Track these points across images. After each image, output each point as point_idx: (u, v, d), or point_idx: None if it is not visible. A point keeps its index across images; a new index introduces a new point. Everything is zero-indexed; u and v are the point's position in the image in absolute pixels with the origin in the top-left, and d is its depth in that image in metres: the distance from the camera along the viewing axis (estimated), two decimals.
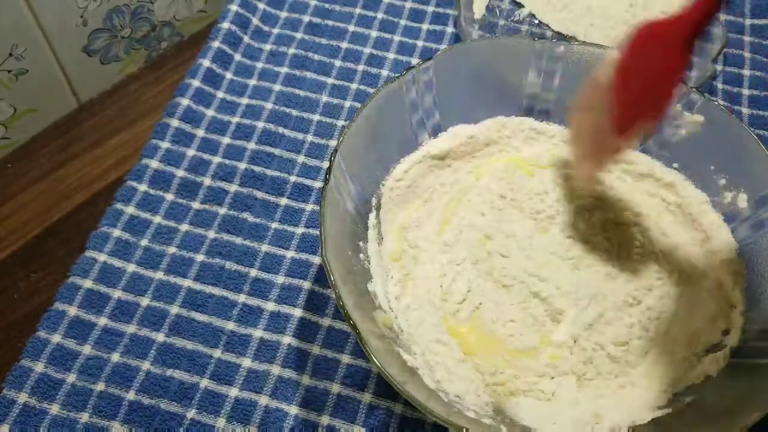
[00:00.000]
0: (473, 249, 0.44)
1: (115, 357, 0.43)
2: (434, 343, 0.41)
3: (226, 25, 0.58)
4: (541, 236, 0.45)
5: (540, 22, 0.60)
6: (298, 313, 0.45)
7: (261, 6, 0.61)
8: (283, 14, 0.61)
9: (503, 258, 0.44)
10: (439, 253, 0.45)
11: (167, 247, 0.48)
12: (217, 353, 0.43)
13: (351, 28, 0.60)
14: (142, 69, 0.62)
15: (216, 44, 0.57)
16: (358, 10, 0.61)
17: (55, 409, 0.41)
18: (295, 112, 0.55)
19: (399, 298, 0.43)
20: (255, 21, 0.60)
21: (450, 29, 0.60)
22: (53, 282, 0.47)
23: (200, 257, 0.47)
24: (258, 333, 0.44)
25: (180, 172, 0.51)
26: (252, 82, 0.56)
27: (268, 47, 0.59)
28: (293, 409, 0.42)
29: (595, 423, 0.38)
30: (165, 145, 0.52)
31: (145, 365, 0.43)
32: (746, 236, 0.44)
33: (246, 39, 0.59)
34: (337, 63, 0.58)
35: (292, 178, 0.51)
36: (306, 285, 0.46)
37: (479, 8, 0.60)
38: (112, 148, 0.55)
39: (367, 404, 0.42)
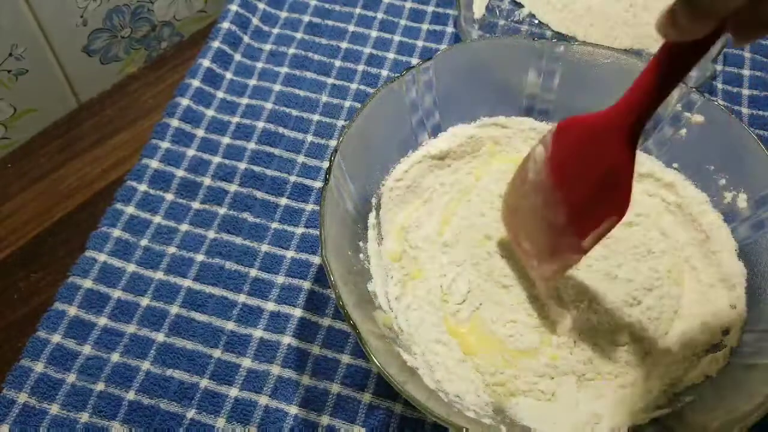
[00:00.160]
0: (473, 249, 0.44)
1: (115, 357, 0.43)
2: (434, 344, 0.41)
3: (226, 25, 0.58)
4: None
5: (540, 22, 0.60)
6: (298, 313, 0.45)
7: (261, 6, 0.61)
8: (283, 14, 0.61)
9: (503, 259, 0.44)
10: (439, 253, 0.45)
11: (167, 247, 0.48)
12: (217, 353, 0.43)
13: (351, 28, 0.60)
14: (142, 69, 0.62)
15: (216, 44, 0.57)
16: (358, 10, 0.61)
17: (55, 409, 0.41)
18: (295, 112, 0.55)
19: (399, 298, 0.43)
20: (255, 21, 0.60)
21: (450, 29, 0.60)
22: (53, 282, 0.47)
23: (200, 257, 0.47)
24: (258, 333, 0.44)
25: (180, 172, 0.51)
26: (252, 82, 0.56)
27: (268, 47, 0.59)
28: (293, 409, 0.42)
29: (595, 423, 0.39)
30: (165, 145, 0.52)
31: (145, 365, 0.43)
32: (746, 236, 0.44)
33: (246, 39, 0.59)
34: (337, 63, 0.58)
35: (292, 178, 0.51)
36: (306, 285, 0.46)
37: (479, 8, 0.60)
38: (112, 148, 0.55)
39: (367, 404, 0.42)
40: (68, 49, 0.56)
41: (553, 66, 0.48)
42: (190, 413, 0.41)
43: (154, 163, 0.51)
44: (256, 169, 0.51)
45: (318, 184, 0.51)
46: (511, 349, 0.41)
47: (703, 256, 0.45)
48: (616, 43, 0.57)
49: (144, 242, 0.48)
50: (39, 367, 0.42)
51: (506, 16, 0.61)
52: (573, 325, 0.41)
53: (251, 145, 0.53)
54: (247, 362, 0.43)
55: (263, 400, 0.42)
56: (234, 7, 0.59)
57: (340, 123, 0.54)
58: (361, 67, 0.57)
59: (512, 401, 0.39)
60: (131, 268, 0.47)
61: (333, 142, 0.53)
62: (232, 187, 0.51)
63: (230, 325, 0.45)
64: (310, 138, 0.53)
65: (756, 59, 0.58)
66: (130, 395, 0.42)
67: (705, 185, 0.46)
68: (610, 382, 0.40)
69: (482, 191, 0.47)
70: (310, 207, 0.50)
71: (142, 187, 0.50)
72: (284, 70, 0.57)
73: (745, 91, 0.57)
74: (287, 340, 0.44)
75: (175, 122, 0.53)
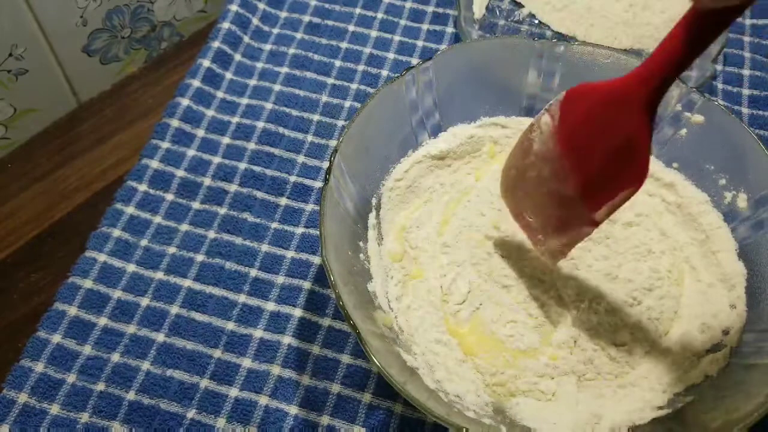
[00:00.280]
0: (473, 250, 0.44)
1: (115, 357, 0.43)
2: (434, 344, 0.41)
3: (226, 25, 0.58)
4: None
5: (540, 22, 0.60)
6: (298, 313, 0.45)
7: (261, 6, 0.61)
8: (283, 14, 0.61)
9: (503, 259, 0.44)
10: (439, 253, 0.45)
11: (167, 247, 0.48)
12: (217, 353, 0.43)
13: (351, 28, 0.60)
14: (142, 69, 0.62)
15: (216, 44, 0.57)
16: (358, 10, 0.61)
17: (55, 409, 0.41)
18: (295, 112, 0.55)
19: (399, 298, 0.43)
20: (255, 21, 0.60)
21: (450, 29, 0.60)
22: (53, 282, 0.47)
23: (200, 257, 0.47)
24: (258, 333, 0.44)
25: (180, 172, 0.51)
26: (252, 82, 0.56)
27: (268, 47, 0.59)
28: (293, 409, 0.42)
29: (595, 423, 0.38)
30: (165, 145, 0.52)
31: (145, 365, 0.43)
32: (746, 236, 0.44)
33: (246, 39, 0.59)
34: (337, 63, 0.58)
35: (292, 178, 0.51)
36: (306, 285, 0.46)
37: (479, 8, 0.60)
38: (112, 148, 0.55)
39: (367, 404, 0.42)
40: (68, 49, 0.56)
41: (553, 66, 0.48)
42: (191, 413, 0.41)
43: (154, 163, 0.51)
44: (256, 169, 0.51)
45: (318, 184, 0.51)
46: (511, 349, 0.41)
47: (703, 256, 0.45)
48: (616, 43, 0.58)
49: (144, 242, 0.48)
50: (39, 367, 0.42)
51: (506, 16, 0.61)
52: (573, 325, 0.41)
53: (251, 145, 0.53)
54: (247, 362, 0.43)
55: (263, 400, 0.42)
56: (234, 7, 0.59)
57: (340, 123, 0.54)
58: (361, 67, 0.57)
59: (512, 401, 0.39)
60: (131, 268, 0.47)
61: (333, 142, 0.53)
62: (232, 187, 0.51)
63: (230, 325, 0.45)
64: (310, 138, 0.53)
65: (756, 59, 0.58)
66: (131, 395, 0.42)
67: (705, 185, 0.46)
68: (610, 382, 0.40)
69: (482, 191, 0.47)
70: (310, 207, 0.50)
71: (142, 187, 0.50)
72: (284, 70, 0.57)
73: (745, 91, 0.57)
74: (287, 340, 0.44)
75: (175, 122, 0.53)
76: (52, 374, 0.42)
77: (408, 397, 0.34)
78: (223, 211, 0.49)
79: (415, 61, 0.58)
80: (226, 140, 0.53)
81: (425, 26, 0.60)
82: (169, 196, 0.50)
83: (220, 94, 0.55)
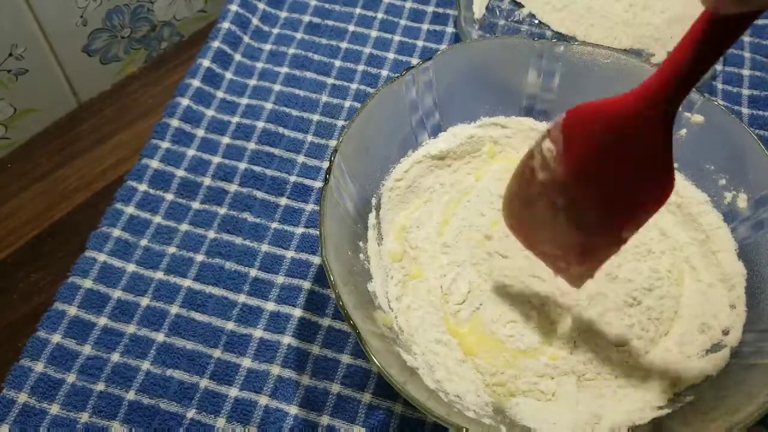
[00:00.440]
0: (473, 250, 0.44)
1: (115, 357, 0.43)
2: (434, 344, 0.41)
3: (226, 25, 0.58)
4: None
5: (540, 22, 0.60)
6: (298, 313, 0.45)
7: (261, 6, 0.61)
8: (283, 14, 0.61)
9: (503, 259, 0.44)
10: (439, 253, 0.45)
11: (167, 247, 0.48)
12: (217, 353, 0.43)
13: (351, 28, 0.60)
14: (142, 69, 0.62)
15: (216, 44, 0.57)
16: (358, 10, 0.61)
17: (55, 409, 0.41)
18: (295, 112, 0.55)
19: (399, 298, 0.43)
20: (255, 21, 0.60)
21: (450, 29, 0.60)
22: (53, 282, 0.47)
23: (200, 257, 0.47)
24: (258, 333, 0.44)
25: (180, 172, 0.51)
26: (252, 82, 0.56)
27: (268, 47, 0.59)
28: (293, 409, 0.42)
29: (595, 423, 0.38)
30: (165, 145, 0.52)
31: (145, 365, 0.43)
32: (746, 236, 0.44)
33: (246, 39, 0.59)
34: (337, 63, 0.58)
35: (292, 178, 0.51)
36: (306, 285, 0.46)
37: (479, 8, 0.60)
38: (112, 148, 0.55)
39: (367, 404, 0.42)
40: (68, 49, 0.56)
41: (553, 66, 0.48)
42: (190, 413, 0.41)
43: (154, 163, 0.51)
44: (256, 169, 0.51)
45: (318, 184, 0.51)
46: (511, 349, 0.41)
47: (703, 256, 0.45)
48: (616, 43, 0.58)
49: (144, 242, 0.48)
50: (39, 367, 0.42)
51: (506, 16, 0.61)
52: (573, 325, 0.41)
53: (251, 145, 0.53)
54: (247, 362, 0.43)
55: (263, 400, 0.42)
56: (234, 7, 0.59)
57: (340, 123, 0.54)
58: (361, 67, 0.57)
59: (512, 401, 0.39)
60: (131, 268, 0.47)
61: (333, 142, 0.53)
62: (232, 187, 0.51)
63: (230, 325, 0.45)
64: (310, 138, 0.53)
65: (756, 59, 0.58)
66: (130, 395, 0.42)
67: (705, 185, 0.46)
68: (610, 382, 0.40)
69: (482, 191, 0.47)
70: (310, 207, 0.50)
71: (142, 187, 0.50)
72: (284, 70, 0.57)
73: (745, 91, 0.57)
74: (287, 340, 0.44)
75: (175, 122, 0.53)
76: (52, 374, 0.42)
77: (408, 397, 0.34)
78: (223, 211, 0.49)
79: (415, 61, 0.58)
80: (226, 140, 0.53)
81: (425, 26, 0.60)
82: (169, 196, 0.50)
83: (220, 94, 0.55)
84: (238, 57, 0.58)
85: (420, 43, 0.59)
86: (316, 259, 0.47)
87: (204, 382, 0.42)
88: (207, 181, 0.51)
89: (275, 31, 0.60)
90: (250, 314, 0.45)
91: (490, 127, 0.49)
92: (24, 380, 0.42)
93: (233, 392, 0.42)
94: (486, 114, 0.49)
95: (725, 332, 0.41)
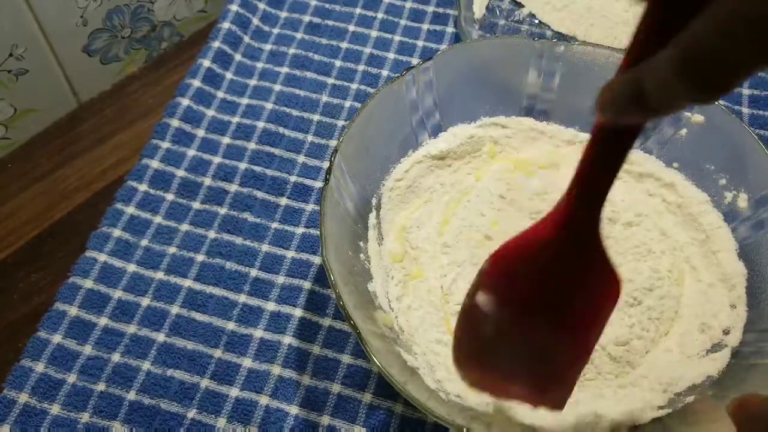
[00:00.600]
0: (474, 250, 0.44)
1: (116, 357, 0.43)
2: (435, 344, 0.41)
3: (226, 25, 0.58)
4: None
5: (540, 22, 0.60)
6: (298, 313, 0.45)
7: (261, 6, 0.61)
8: (283, 14, 0.61)
9: None
10: (439, 253, 0.45)
11: (167, 247, 0.48)
12: (217, 353, 0.43)
13: (351, 28, 0.60)
14: (142, 69, 0.62)
15: (216, 44, 0.57)
16: (358, 10, 0.61)
17: (55, 409, 0.41)
18: (295, 112, 0.55)
19: (400, 298, 0.43)
20: (255, 21, 0.60)
21: (450, 29, 0.60)
22: (53, 282, 0.47)
23: (200, 257, 0.47)
24: (258, 333, 0.44)
25: (180, 172, 0.51)
26: (252, 82, 0.56)
27: (268, 47, 0.59)
28: (294, 409, 0.42)
29: (595, 423, 0.38)
30: (165, 145, 0.52)
31: (146, 365, 0.43)
32: (746, 236, 0.44)
33: (246, 39, 0.59)
34: (338, 63, 0.58)
35: (293, 178, 0.51)
36: (306, 285, 0.46)
37: (479, 8, 0.60)
38: (112, 148, 0.55)
39: (367, 404, 0.42)
40: (68, 49, 0.56)
41: (553, 66, 0.48)
42: (191, 413, 0.41)
43: (155, 163, 0.51)
44: (257, 169, 0.51)
45: (318, 184, 0.51)
46: None
47: (703, 256, 0.45)
48: (616, 43, 0.57)
49: (144, 242, 0.48)
50: (40, 367, 0.42)
51: (506, 16, 0.61)
52: None
53: (251, 145, 0.53)
54: (247, 362, 0.43)
55: (264, 400, 0.42)
56: (234, 7, 0.59)
57: (341, 123, 0.54)
58: (361, 67, 0.57)
59: (513, 401, 0.39)
60: (132, 268, 0.47)
61: (333, 142, 0.53)
62: (233, 187, 0.51)
63: (231, 325, 0.45)
64: (310, 138, 0.53)
65: None
66: (131, 395, 0.42)
67: (705, 185, 0.46)
68: (611, 382, 0.40)
69: (482, 191, 0.47)
70: (310, 207, 0.50)
71: (143, 187, 0.50)
72: (284, 70, 0.57)
73: (746, 91, 0.57)
74: (288, 340, 0.44)
75: (175, 122, 0.53)
76: (53, 374, 0.42)
77: (408, 397, 0.34)
78: (223, 211, 0.49)
79: (415, 61, 0.58)
80: (226, 140, 0.53)
81: (425, 26, 0.60)
82: (170, 196, 0.50)
83: (220, 94, 0.55)
84: (238, 57, 0.58)
85: (420, 43, 0.59)
86: (316, 259, 0.47)
87: (205, 382, 0.42)
88: (207, 181, 0.51)
89: (275, 31, 0.60)
90: (250, 314, 0.45)
91: (491, 127, 0.49)
92: (25, 380, 0.42)
93: (234, 392, 0.42)
94: (486, 114, 0.49)
95: (726, 332, 0.41)
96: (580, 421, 0.39)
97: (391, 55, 0.58)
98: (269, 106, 0.55)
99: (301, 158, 0.52)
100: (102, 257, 0.47)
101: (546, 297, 0.32)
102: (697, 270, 0.44)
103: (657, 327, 0.42)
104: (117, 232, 0.48)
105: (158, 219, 0.49)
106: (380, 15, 0.61)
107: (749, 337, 0.40)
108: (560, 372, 0.34)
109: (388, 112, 0.45)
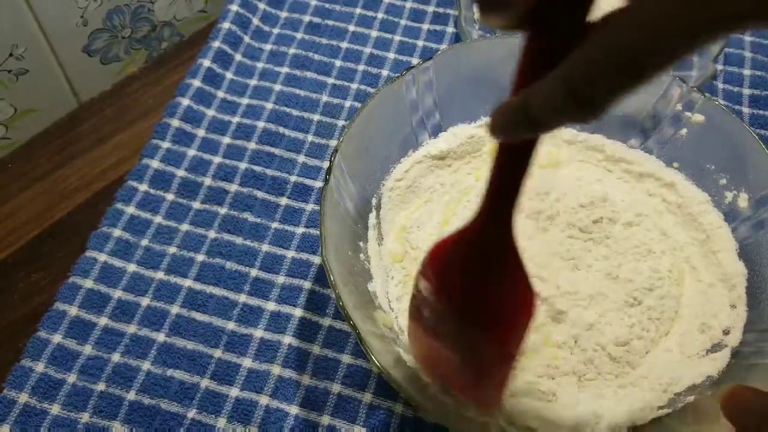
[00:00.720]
0: None
1: (116, 357, 0.43)
2: None
3: (226, 25, 0.58)
4: (541, 236, 0.45)
5: None
6: (298, 313, 0.45)
7: (261, 6, 0.61)
8: (284, 14, 0.61)
9: None
10: None
11: (168, 247, 0.48)
12: (217, 353, 0.43)
13: (351, 28, 0.60)
14: (142, 69, 0.62)
15: (216, 44, 0.57)
16: (358, 10, 0.61)
17: (55, 409, 0.41)
18: (295, 112, 0.55)
19: (400, 298, 0.43)
20: (255, 21, 0.60)
21: (450, 29, 0.60)
22: (53, 282, 0.47)
23: (201, 257, 0.47)
24: (258, 333, 0.44)
25: (180, 172, 0.51)
26: (252, 82, 0.56)
27: (268, 47, 0.59)
28: (294, 409, 0.42)
29: (595, 423, 0.39)
30: (165, 145, 0.52)
31: (146, 365, 0.43)
32: (746, 236, 0.44)
33: (246, 39, 0.59)
34: (338, 63, 0.58)
35: (293, 178, 0.51)
36: (306, 285, 0.46)
37: None
38: (112, 148, 0.55)
39: (367, 404, 0.42)
40: (68, 49, 0.56)
41: None
42: (191, 413, 0.41)
43: (155, 163, 0.51)
44: (257, 169, 0.51)
45: (318, 184, 0.51)
46: None
47: (703, 256, 0.45)
48: None
49: (144, 242, 0.48)
50: (40, 367, 0.42)
51: None
52: (573, 325, 0.41)
53: (252, 145, 0.53)
54: (247, 362, 0.43)
55: (264, 400, 0.42)
56: (234, 7, 0.59)
57: (341, 123, 0.54)
58: (361, 67, 0.57)
59: (512, 401, 0.39)
60: (132, 268, 0.47)
61: (333, 142, 0.53)
62: (233, 187, 0.51)
63: (231, 325, 0.45)
64: (310, 138, 0.53)
65: (757, 59, 0.58)
66: (131, 395, 0.42)
67: (705, 185, 0.46)
68: (611, 382, 0.40)
69: (482, 191, 0.47)
70: (310, 207, 0.50)
71: (143, 187, 0.50)
72: (284, 70, 0.57)
73: (746, 91, 0.57)
74: (288, 340, 0.44)
75: (175, 122, 0.53)
76: (53, 374, 0.42)
77: (408, 397, 0.34)
78: (223, 210, 0.49)
79: (415, 61, 0.58)
80: (226, 140, 0.53)
81: (425, 26, 0.60)
82: (170, 196, 0.50)
83: (220, 94, 0.55)
84: (238, 57, 0.58)
85: (420, 43, 0.59)
86: (316, 259, 0.47)
87: (205, 382, 0.42)
88: (207, 181, 0.51)
89: (276, 31, 0.60)
90: (250, 314, 0.45)
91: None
92: (25, 380, 0.42)
93: (234, 392, 0.42)
94: (486, 114, 0.49)
95: (726, 332, 0.41)
96: (580, 421, 0.39)
97: (391, 55, 0.58)
98: (269, 106, 0.55)
99: (301, 158, 0.52)
100: (102, 257, 0.47)
101: (467, 294, 0.34)
102: (697, 270, 0.44)
103: (657, 327, 0.42)
104: (117, 232, 0.48)
105: (158, 219, 0.49)
106: (380, 15, 0.61)
107: (749, 337, 0.40)
108: (486, 371, 0.35)
109: (388, 112, 0.45)
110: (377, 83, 0.56)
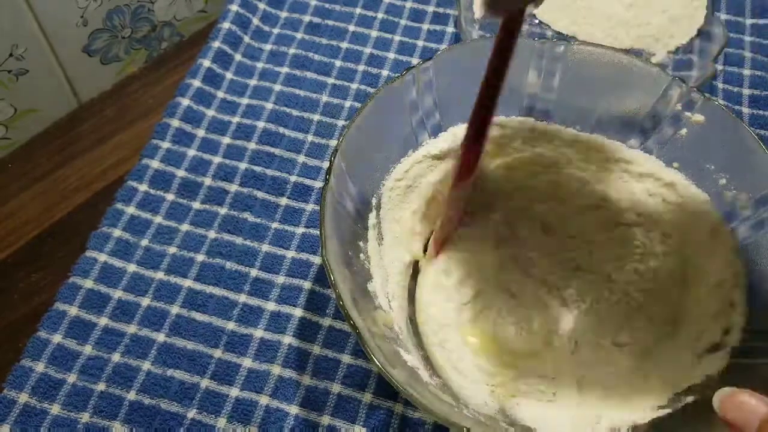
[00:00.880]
0: None
1: (116, 357, 0.43)
2: (435, 344, 0.41)
3: (226, 25, 0.58)
4: (542, 240, 0.45)
5: (540, 22, 0.60)
6: (298, 313, 0.45)
7: (261, 6, 0.61)
8: (284, 14, 0.61)
9: (508, 260, 0.44)
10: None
11: (168, 247, 0.48)
12: (217, 353, 0.43)
13: (351, 28, 0.60)
14: (142, 69, 0.62)
15: (216, 44, 0.57)
16: (358, 10, 0.61)
17: (55, 409, 0.41)
18: (295, 112, 0.55)
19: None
20: (255, 21, 0.60)
21: (450, 29, 0.60)
22: (53, 282, 0.47)
23: (201, 257, 0.47)
24: (258, 333, 0.44)
25: (180, 172, 0.51)
26: (252, 82, 0.56)
27: (268, 47, 0.59)
28: (294, 409, 0.42)
29: (595, 423, 0.39)
30: (165, 145, 0.52)
31: (146, 365, 0.43)
32: (746, 236, 0.44)
33: (246, 39, 0.59)
34: (338, 63, 0.58)
35: (293, 178, 0.51)
36: (306, 285, 0.46)
37: (479, 8, 0.60)
38: (112, 148, 0.55)
39: (367, 404, 0.42)
40: (68, 49, 0.56)
41: (553, 66, 0.48)
42: (191, 413, 0.41)
43: (155, 163, 0.51)
44: (257, 169, 0.51)
45: (318, 184, 0.51)
46: (512, 351, 0.41)
47: (703, 256, 0.45)
48: (616, 43, 0.58)
49: (144, 242, 0.48)
50: (40, 367, 0.42)
51: None
52: (574, 326, 0.41)
53: (252, 145, 0.53)
54: (247, 362, 0.43)
55: (264, 400, 0.42)
56: (234, 7, 0.59)
57: (341, 123, 0.54)
58: (361, 67, 0.57)
59: (513, 401, 0.39)
60: (132, 268, 0.47)
61: (333, 142, 0.53)
62: (233, 187, 0.51)
63: (231, 325, 0.45)
64: (310, 138, 0.53)
65: (757, 59, 0.58)
66: (131, 395, 0.42)
67: (705, 185, 0.46)
68: (611, 383, 0.40)
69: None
70: (310, 207, 0.50)
71: (143, 187, 0.50)
72: (284, 70, 0.57)
73: (746, 91, 0.57)
74: (288, 340, 0.44)
75: (175, 122, 0.53)
76: (53, 374, 0.42)
77: (408, 397, 0.34)
78: (223, 211, 0.49)
79: (415, 61, 0.58)
80: (226, 140, 0.53)
81: (425, 26, 0.60)
82: (170, 196, 0.50)
83: (220, 94, 0.55)
84: (238, 57, 0.58)
85: (420, 43, 0.59)
86: (316, 259, 0.47)
87: (205, 382, 0.42)
88: (207, 181, 0.51)
89: (275, 31, 0.60)
90: (250, 314, 0.45)
91: (491, 127, 0.49)
92: (25, 380, 0.42)
93: (234, 392, 0.42)
94: None
95: (725, 332, 0.41)
96: (580, 421, 0.39)
97: (391, 55, 0.58)
98: (269, 106, 0.55)
99: (301, 158, 0.52)
100: (102, 257, 0.47)
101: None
102: (698, 270, 0.44)
103: (658, 328, 0.42)
104: (117, 232, 0.48)
105: (158, 219, 0.49)
106: (380, 15, 0.61)
107: (749, 337, 0.40)
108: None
109: (388, 112, 0.45)
110: (377, 83, 0.56)
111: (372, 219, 0.45)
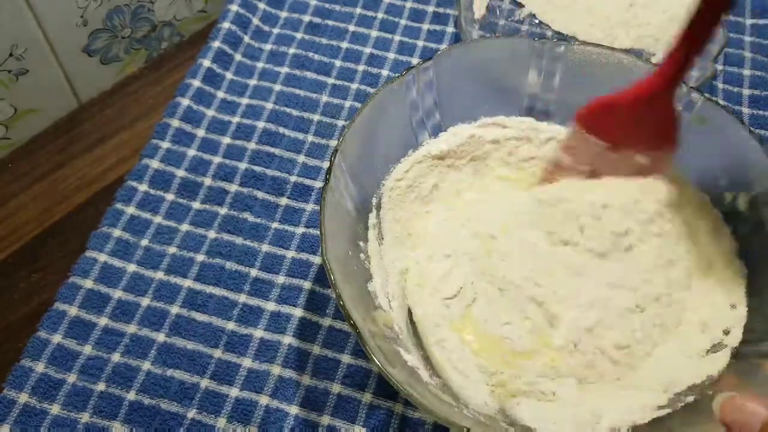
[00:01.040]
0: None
1: (116, 357, 0.43)
2: (435, 344, 0.41)
3: (226, 25, 0.58)
4: (544, 245, 0.45)
5: (540, 22, 0.60)
6: (298, 313, 0.45)
7: (261, 6, 0.61)
8: (284, 14, 0.61)
9: (502, 261, 0.44)
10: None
11: (168, 247, 0.48)
12: (217, 353, 0.44)
13: (351, 28, 0.60)
14: (142, 69, 0.62)
15: (216, 44, 0.57)
16: (358, 10, 0.61)
17: (55, 409, 0.41)
18: (295, 112, 0.55)
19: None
20: (255, 21, 0.60)
21: (450, 29, 0.60)
22: (53, 282, 0.47)
23: (200, 257, 0.47)
24: (258, 333, 0.44)
25: (180, 172, 0.51)
26: (252, 82, 0.56)
27: (268, 47, 0.59)
28: (294, 409, 0.42)
29: (595, 423, 0.38)
30: (165, 145, 0.52)
31: (146, 365, 0.43)
32: (746, 236, 0.44)
33: (246, 39, 0.59)
34: (338, 63, 0.58)
35: (293, 178, 0.51)
36: (306, 285, 0.46)
37: (479, 8, 0.60)
38: (112, 148, 0.55)
39: (367, 404, 0.42)
40: (68, 49, 0.56)
41: (553, 66, 0.48)
42: (191, 413, 0.41)
43: (155, 163, 0.51)
44: (257, 169, 0.51)
45: (318, 184, 0.51)
46: (509, 351, 0.41)
47: (703, 257, 0.45)
48: (616, 43, 0.57)
49: (144, 242, 0.48)
50: (40, 367, 0.42)
51: (506, 16, 0.61)
52: (573, 328, 0.41)
53: (251, 145, 0.53)
54: (247, 362, 0.43)
55: (264, 400, 0.42)
56: (234, 7, 0.59)
57: (341, 123, 0.54)
58: (361, 67, 0.57)
59: (513, 401, 0.39)
60: (132, 268, 0.47)
61: (333, 142, 0.53)
62: (233, 187, 0.51)
63: (231, 325, 0.45)
64: (310, 138, 0.53)
65: (757, 59, 0.58)
66: (131, 395, 0.42)
67: (705, 185, 0.46)
68: (611, 383, 0.40)
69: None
70: (310, 207, 0.50)
71: (143, 187, 0.50)
72: (284, 70, 0.57)
73: (746, 91, 0.57)
74: (288, 340, 0.44)
75: (175, 122, 0.53)
76: (53, 374, 0.42)
77: (408, 396, 0.34)
78: (223, 211, 0.49)
79: (415, 61, 0.58)
80: (226, 140, 0.53)
81: (425, 26, 0.60)
82: (170, 196, 0.50)
83: (220, 94, 0.56)
84: (238, 57, 0.58)
85: (420, 43, 0.59)
86: (316, 259, 0.47)
87: (204, 382, 0.42)
88: (207, 181, 0.51)
89: (275, 31, 0.60)
90: (250, 314, 0.45)
91: (491, 126, 0.49)
92: (25, 380, 0.42)
93: (234, 392, 0.42)
94: (486, 114, 0.49)
95: (726, 332, 0.41)
96: (580, 421, 0.39)
97: (391, 55, 0.58)
98: (269, 106, 0.55)
99: (301, 158, 0.52)
100: (102, 257, 0.47)
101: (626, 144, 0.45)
102: (698, 270, 0.44)
103: (660, 332, 0.42)
104: (117, 232, 0.48)
105: (158, 219, 0.49)
106: (380, 15, 0.61)
107: (749, 337, 0.40)
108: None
109: (388, 112, 0.45)
110: (377, 83, 0.57)
111: (372, 219, 0.45)
